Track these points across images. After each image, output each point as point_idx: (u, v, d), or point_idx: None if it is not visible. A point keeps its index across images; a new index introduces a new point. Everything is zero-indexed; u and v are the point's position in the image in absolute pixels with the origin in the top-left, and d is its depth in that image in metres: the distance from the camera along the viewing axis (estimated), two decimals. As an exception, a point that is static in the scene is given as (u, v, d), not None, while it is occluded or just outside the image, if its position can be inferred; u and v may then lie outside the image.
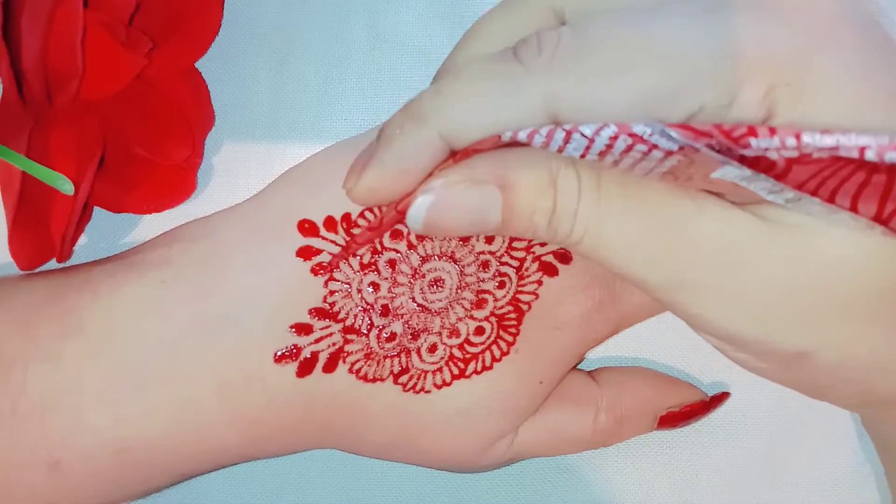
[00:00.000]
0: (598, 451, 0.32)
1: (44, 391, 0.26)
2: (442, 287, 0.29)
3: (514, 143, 0.22)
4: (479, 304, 0.29)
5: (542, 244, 0.29)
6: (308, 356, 0.28)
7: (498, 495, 0.32)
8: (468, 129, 0.22)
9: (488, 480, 0.33)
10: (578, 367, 0.32)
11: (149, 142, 0.31)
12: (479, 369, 0.29)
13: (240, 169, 0.33)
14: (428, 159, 0.23)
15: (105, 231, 0.33)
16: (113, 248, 0.31)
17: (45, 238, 0.30)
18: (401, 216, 0.23)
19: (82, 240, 0.33)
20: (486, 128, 0.22)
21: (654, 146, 0.20)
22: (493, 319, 0.29)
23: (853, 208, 0.21)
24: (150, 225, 0.32)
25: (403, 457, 0.30)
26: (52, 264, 0.30)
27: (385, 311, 0.28)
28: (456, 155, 0.23)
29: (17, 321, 0.27)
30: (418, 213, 0.23)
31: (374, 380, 0.28)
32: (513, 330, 0.29)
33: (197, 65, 0.32)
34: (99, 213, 0.32)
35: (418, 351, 0.28)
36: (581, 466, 0.33)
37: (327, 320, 0.28)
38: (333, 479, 0.32)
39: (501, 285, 0.29)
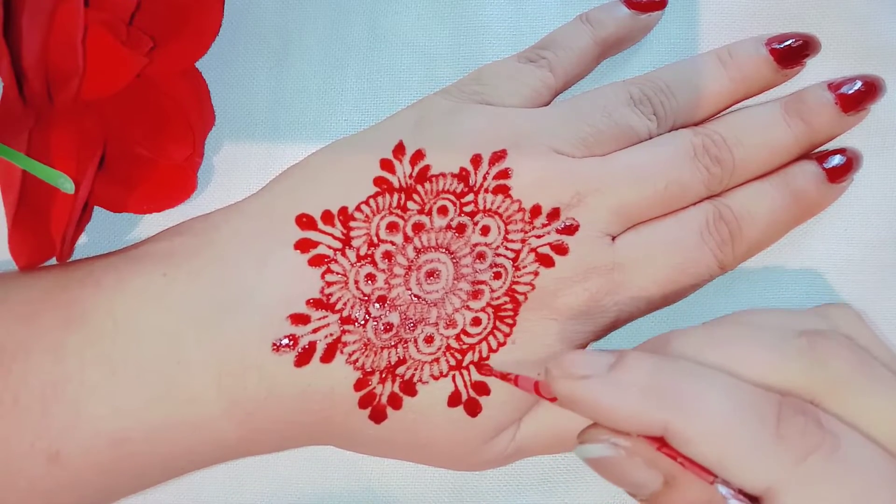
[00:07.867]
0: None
1: (45, 382, 0.26)
2: (438, 278, 0.29)
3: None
4: (476, 294, 0.29)
5: (539, 235, 0.29)
6: (306, 346, 0.28)
7: (498, 495, 0.32)
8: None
9: (489, 480, 0.32)
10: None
11: (149, 141, 0.31)
12: (475, 360, 0.28)
13: (240, 169, 0.33)
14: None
15: (105, 231, 0.33)
16: (113, 247, 0.31)
17: (46, 237, 0.30)
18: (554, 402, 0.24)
19: (82, 239, 0.33)
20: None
21: None
22: (489, 310, 0.29)
23: None
24: (150, 225, 0.33)
25: (402, 453, 0.30)
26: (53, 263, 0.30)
27: (382, 301, 0.28)
28: (664, 445, 0.22)
29: (20, 312, 0.27)
30: (590, 450, 0.23)
31: (371, 371, 0.28)
32: (509, 321, 0.29)
33: (197, 65, 0.33)
34: (99, 212, 0.33)
35: (415, 341, 0.28)
36: (582, 466, 0.32)
37: (324, 311, 0.28)
38: (334, 480, 0.32)
39: (497, 276, 0.29)
